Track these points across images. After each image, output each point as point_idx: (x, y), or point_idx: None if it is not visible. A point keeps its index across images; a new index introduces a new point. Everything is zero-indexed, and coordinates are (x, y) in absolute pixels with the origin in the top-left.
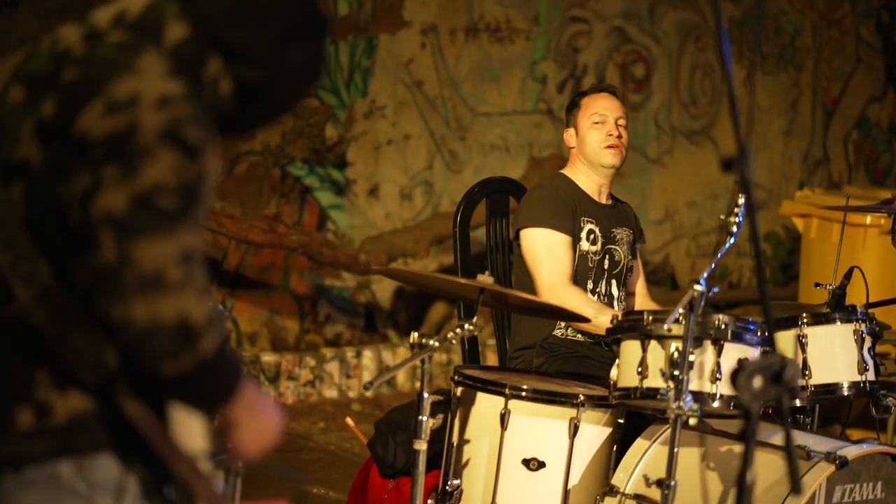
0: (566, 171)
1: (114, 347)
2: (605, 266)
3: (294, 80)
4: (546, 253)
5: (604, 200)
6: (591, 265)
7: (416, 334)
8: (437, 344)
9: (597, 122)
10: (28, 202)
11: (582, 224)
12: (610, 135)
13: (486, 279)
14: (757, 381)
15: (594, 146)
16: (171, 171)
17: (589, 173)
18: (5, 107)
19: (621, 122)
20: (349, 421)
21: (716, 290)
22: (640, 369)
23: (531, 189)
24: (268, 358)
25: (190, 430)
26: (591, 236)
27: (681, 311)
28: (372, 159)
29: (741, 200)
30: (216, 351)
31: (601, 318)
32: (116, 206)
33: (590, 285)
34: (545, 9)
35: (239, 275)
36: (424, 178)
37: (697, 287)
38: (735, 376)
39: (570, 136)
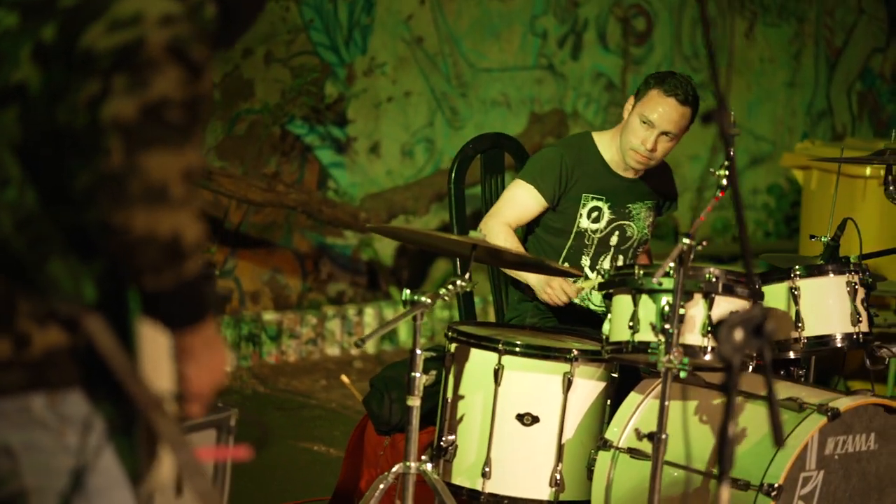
0: (600, 136)
1: (91, 281)
2: (613, 242)
3: None
4: (509, 197)
5: (627, 174)
6: (588, 242)
7: (408, 291)
8: (429, 300)
9: (644, 123)
10: (23, 126)
11: (583, 201)
12: (644, 144)
13: (478, 235)
14: (738, 334)
15: (626, 143)
16: (178, 86)
17: (618, 152)
18: None
19: (667, 136)
20: (345, 378)
21: (704, 243)
22: (631, 323)
23: (547, 145)
24: (269, 316)
25: (158, 371)
26: (595, 214)
27: (671, 265)
28: (372, 117)
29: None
30: (196, 275)
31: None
32: (126, 114)
33: (586, 261)
34: None
35: (240, 234)
36: (425, 136)
37: (686, 241)
38: (716, 329)
39: (626, 109)
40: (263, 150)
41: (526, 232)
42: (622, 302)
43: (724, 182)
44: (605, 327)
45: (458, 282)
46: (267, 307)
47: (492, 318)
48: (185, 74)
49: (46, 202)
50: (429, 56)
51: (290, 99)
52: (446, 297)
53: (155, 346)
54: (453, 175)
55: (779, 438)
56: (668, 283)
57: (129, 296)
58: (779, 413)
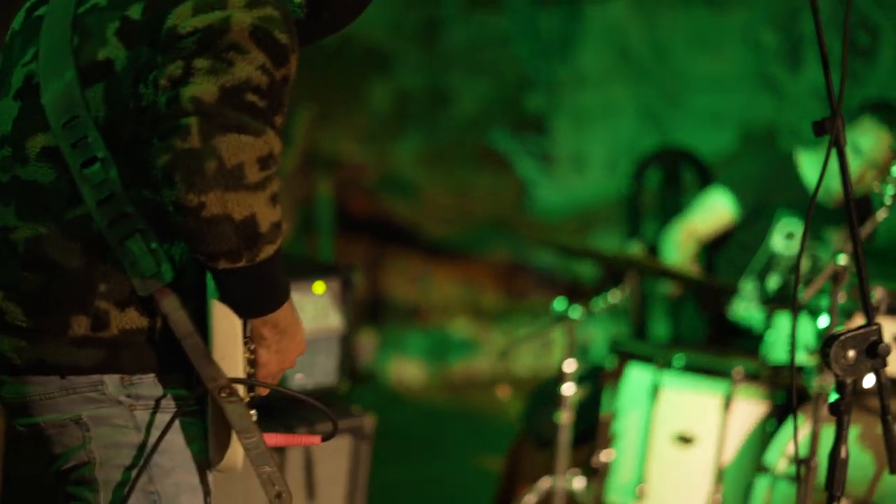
0: (805, 155)
1: (170, 262)
2: (803, 268)
3: None
4: (702, 203)
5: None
6: (776, 263)
7: (560, 302)
8: (577, 314)
9: (851, 151)
10: (107, 103)
11: (777, 219)
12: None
13: (636, 249)
14: (850, 353)
15: (830, 168)
16: (261, 71)
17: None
18: (86, 8)
19: (874, 167)
20: (502, 390)
21: None
22: (789, 344)
23: (750, 157)
24: (461, 328)
25: (230, 354)
26: (788, 235)
27: (820, 284)
28: (577, 130)
29: None
30: (271, 260)
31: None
32: (208, 96)
33: (774, 283)
34: None
35: (438, 245)
36: (632, 150)
37: (841, 260)
38: (825, 347)
39: None
40: (464, 161)
41: (716, 247)
42: (783, 321)
43: (889, 201)
44: (765, 347)
45: (609, 296)
46: (461, 319)
47: None
48: (268, 59)
49: (128, 180)
50: (638, 68)
51: (492, 110)
52: (595, 311)
53: (229, 328)
54: (630, 185)
55: (893, 465)
56: (826, 304)
57: (206, 278)
58: (894, 437)
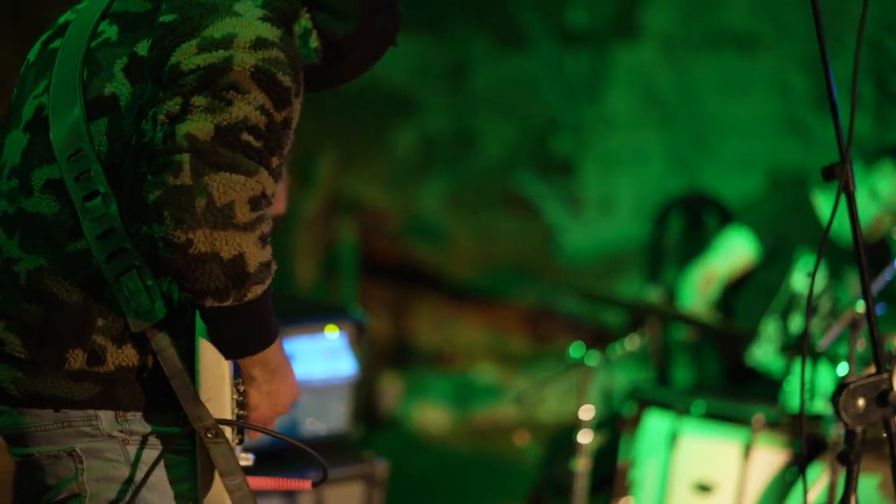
0: (825, 195)
1: (163, 299)
2: (824, 309)
3: (374, 42)
4: (721, 243)
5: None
6: (796, 304)
7: (576, 347)
8: (593, 361)
9: (869, 195)
10: (110, 138)
11: (797, 258)
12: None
13: (655, 294)
14: (860, 402)
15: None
16: (259, 112)
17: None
18: (97, 43)
19: (891, 213)
20: (520, 437)
21: (882, 310)
22: (808, 391)
23: (769, 196)
24: (488, 373)
25: (219, 394)
26: (809, 275)
27: (838, 331)
28: (605, 173)
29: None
30: (259, 300)
31: None
32: (202, 133)
33: (795, 325)
34: (794, 19)
35: (464, 288)
36: (660, 194)
37: (859, 306)
38: (835, 395)
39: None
40: (490, 205)
41: (736, 289)
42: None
43: None
44: (785, 394)
45: (627, 342)
46: (486, 363)
47: None
48: (268, 100)
49: (128, 216)
50: (666, 112)
51: (518, 153)
52: (611, 357)
53: (216, 368)
54: (652, 230)
55: None
56: (845, 351)
57: (196, 316)
58: None
